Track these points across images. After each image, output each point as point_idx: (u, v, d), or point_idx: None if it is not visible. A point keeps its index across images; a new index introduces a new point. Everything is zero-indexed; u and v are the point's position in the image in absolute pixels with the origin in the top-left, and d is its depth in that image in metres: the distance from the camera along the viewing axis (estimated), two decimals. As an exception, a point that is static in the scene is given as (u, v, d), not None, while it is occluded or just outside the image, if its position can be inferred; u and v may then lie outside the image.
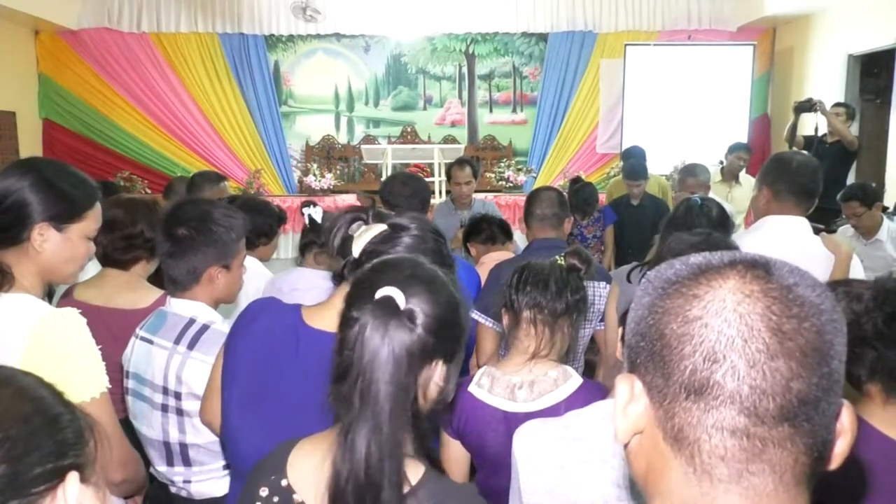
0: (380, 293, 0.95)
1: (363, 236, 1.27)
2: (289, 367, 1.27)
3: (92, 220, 1.48)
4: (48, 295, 2.66)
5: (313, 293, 2.08)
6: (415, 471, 0.96)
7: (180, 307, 1.65)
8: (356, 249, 1.26)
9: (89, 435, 0.71)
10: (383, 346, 0.91)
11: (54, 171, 1.44)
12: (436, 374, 1.01)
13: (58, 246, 1.41)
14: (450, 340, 1.01)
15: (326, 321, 1.28)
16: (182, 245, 1.62)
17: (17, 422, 0.65)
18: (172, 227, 1.63)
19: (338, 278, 1.32)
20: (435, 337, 0.97)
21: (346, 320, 0.98)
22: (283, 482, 1.00)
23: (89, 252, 1.51)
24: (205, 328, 1.61)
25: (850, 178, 5.59)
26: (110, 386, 1.39)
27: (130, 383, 1.69)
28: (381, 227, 1.28)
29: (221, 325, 1.63)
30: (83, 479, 0.69)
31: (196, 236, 1.62)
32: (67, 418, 0.70)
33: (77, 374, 1.32)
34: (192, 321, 1.63)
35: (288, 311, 1.34)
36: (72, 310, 1.36)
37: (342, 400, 0.95)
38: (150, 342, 1.64)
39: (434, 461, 1.01)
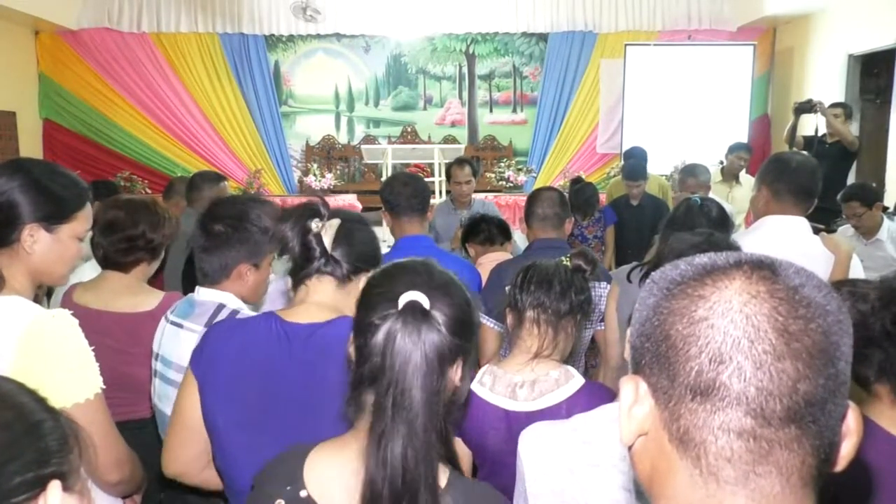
0: (404, 298, 0.94)
1: (329, 231, 1.28)
2: (288, 369, 1.27)
3: (82, 221, 1.47)
4: (47, 295, 2.66)
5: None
6: (443, 473, 0.96)
7: (209, 295, 1.69)
8: (328, 243, 1.27)
9: (73, 442, 0.70)
10: (416, 351, 0.90)
11: (44, 171, 1.42)
12: (458, 372, 1.00)
13: (48, 247, 1.40)
14: (468, 339, 1.00)
15: (310, 315, 1.30)
16: (217, 241, 1.66)
17: None
18: (209, 223, 1.67)
19: (300, 276, 1.33)
20: (457, 337, 0.96)
21: (366, 327, 0.96)
22: (303, 493, 0.96)
23: (80, 253, 1.50)
24: (234, 313, 1.64)
25: (851, 178, 5.59)
26: (104, 387, 1.38)
27: (158, 366, 1.71)
28: (337, 222, 1.30)
29: (248, 312, 1.66)
30: (67, 487, 0.68)
31: (231, 233, 1.66)
32: (50, 425, 0.68)
33: (70, 376, 1.31)
34: (221, 306, 1.66)
35: (261, 319, 1.33)
36: (63, 311, 1.35)
37: (362, 405, 0.95)
38: (180, 326, 1.67)
39: (454, 461, 1.01)
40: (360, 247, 1.36)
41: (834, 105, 5.60)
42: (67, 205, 1.43)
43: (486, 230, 3.21)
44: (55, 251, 1.42)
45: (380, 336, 0.92)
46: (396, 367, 0.90)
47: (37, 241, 1.38)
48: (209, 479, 1.41)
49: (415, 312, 0.92)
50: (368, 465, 0.91)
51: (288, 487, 0.97)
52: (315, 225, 1.29)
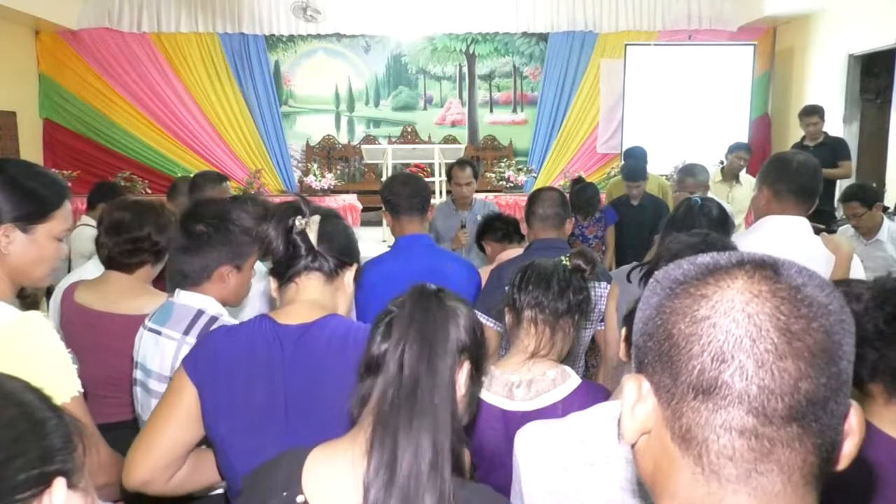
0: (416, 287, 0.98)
1: (313, 227, 1.29)
2: (285, 371, 1.26)
3: (60, 221, 1.43)
4: (46, 294, 2.65)
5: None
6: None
7: (188, 299, 1.66)
8: (314, 239, 1.29)
9: (77, 440, 0.70)
10: (427, 328, 0.93)
11: (20, 170, 1.39)
12: (463, 376, 1.00)
13: (24, 247, 1.36)
14: (477, 342, 1.02)
15: (300, 315, 1.30)
16: (198, 241, 1.64)
17: (1, 427, 0.64)
18: (191, 224, 1.66)
19: (289, 275, 1.33)
20: (467, 333, 0.99)
21: (381, 316, 0.98)
22: (300, 498, 0.92)
23: (60, 253, 1.46)
24: (213, 320, 1.62)
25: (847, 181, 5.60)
26: (82, 389, 1.35)
27: (139, 374, 1.69)
28: (319, 217, 1.32)
29: (228, 319, 1.64)
30: (71, 485, 0.68)
31: (213, 234, 1.64)
32: (54, 423, 0.69)
33: (46, 379, 1.27)
34: (200, 312, 1.64)
35: (255, 323, 1.32)
36: (36, 313, 1.32)
37: (365, 402, 0.95)
38: (158, 333, 1.64)
39: (460, 468, 0.99)
40: (340, 240, 1.38)
41: (809, 112, 5.58)
42: (43, 205, 1.39)
43: (502, 228, 3.25)
44: (32, 252, 1.38)
45: (387, 319, 0.95)
46: (406, 349, 0.92)
47: (12, 242, 1.34)
48: (178, 486, 1.35)
49: (425, 293, 0.96)
50: (367, 469, 0.88)
51: (284, 493, 0.92)
52: (299, 222, 1.30)
